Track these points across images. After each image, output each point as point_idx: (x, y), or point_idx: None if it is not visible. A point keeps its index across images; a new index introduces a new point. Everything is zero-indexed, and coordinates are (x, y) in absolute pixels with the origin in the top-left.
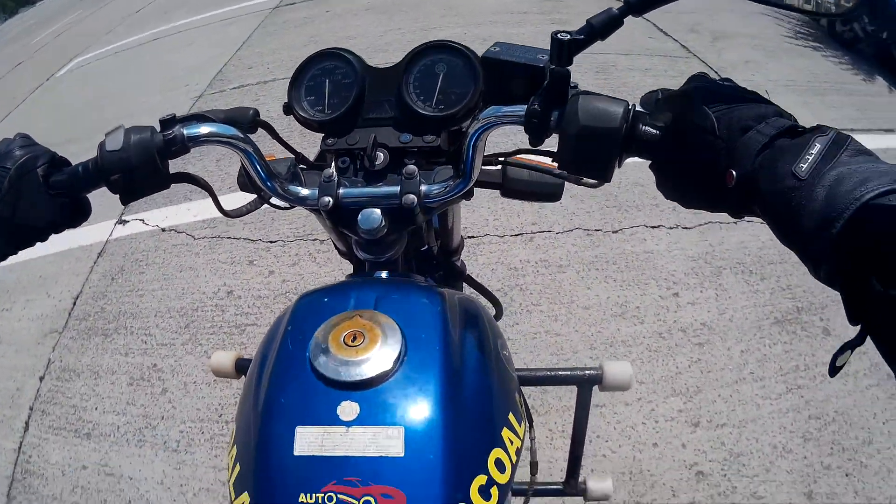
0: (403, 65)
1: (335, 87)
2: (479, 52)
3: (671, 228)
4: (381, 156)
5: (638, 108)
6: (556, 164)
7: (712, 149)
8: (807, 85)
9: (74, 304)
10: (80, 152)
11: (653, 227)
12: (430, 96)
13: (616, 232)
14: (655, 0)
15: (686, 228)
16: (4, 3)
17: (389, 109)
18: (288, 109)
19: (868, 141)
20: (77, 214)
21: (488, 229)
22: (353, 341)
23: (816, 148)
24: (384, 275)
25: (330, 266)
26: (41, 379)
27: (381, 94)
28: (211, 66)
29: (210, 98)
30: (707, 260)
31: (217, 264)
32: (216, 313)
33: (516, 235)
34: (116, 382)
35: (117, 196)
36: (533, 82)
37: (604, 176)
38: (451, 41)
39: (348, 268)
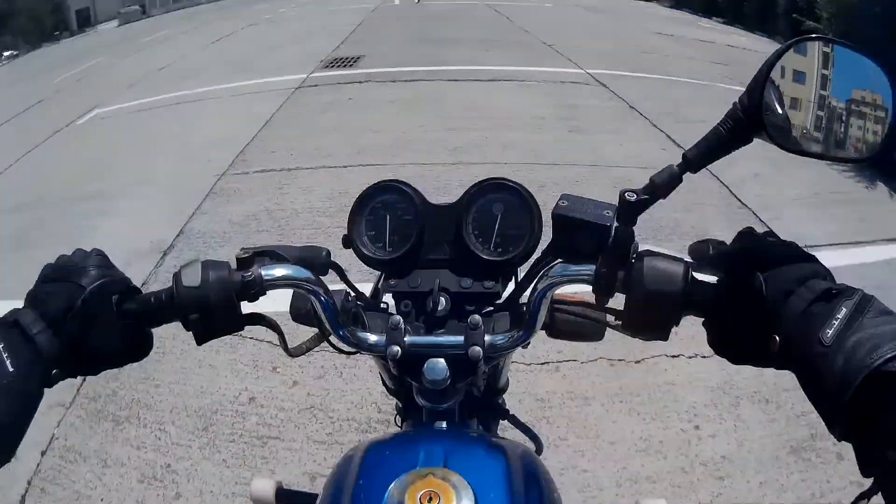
0: (463, 204)
1: (396, 223)
2: (506, 156)
3: (690, 358)
4: (443, 301)
5: (692, 268)
6: (611, 316)
7: (760, 312)
8: (813, 198)
9: (84, 379)
10: (96, 211)
11: (673, 357)
12: (488, 239)
13: (638, 362)
14: (710, 156)
15: (704, 357)
16: (28, 34)
17: (448, 250)
18: (348, 243)
19: (874, 253)
20: (141, 347)
21: (516, 357)
22: (428, 502)
23: (842, 313)
24: (444, 425)
25: (356, 383)
26: (42, 454)
27: (440, 233)
28: (233, 143)
29: (233, 179)
30: (725, 390)
31: (239, 366)
32: (237, 419)
33: (543, 364)
34: (126, 476)
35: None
36: (598, 238)
37: (663, 336)
38: (507, 179)
39: (374, 383)
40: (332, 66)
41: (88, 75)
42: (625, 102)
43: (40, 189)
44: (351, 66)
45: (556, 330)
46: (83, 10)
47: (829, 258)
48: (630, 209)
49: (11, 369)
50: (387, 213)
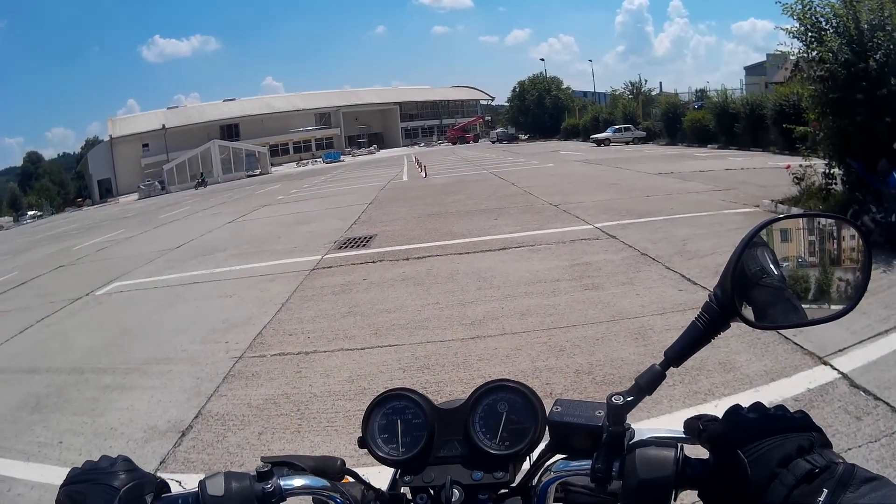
0: (469, 405)
1: (407, 426)
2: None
3: None
4: (456, 493)
5: (686, 445)
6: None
7: (746, 495)
8: None
9: None
10: (115, 385)
11: None
12: (494, 434)
13: None
14: (691, 349)
15: None
16: (53, 197)
17: (458, 447)
18: (363, 444)
19: None
20: None
21: None
22: None
23: (823, 496)
24: None
25: None
26: None
27: (449, 432)
28: (250, 326)
29: (251, 362)
30: None
31: None
32: None
33: None
34: None
35: None
36: (593, 436)
37: None
38: (509, 381)
39: None
40: (346, 247)
41: (108, 246)
42: (636, 251)
43: (57, 358)
44: (364, 245)
45: None
46: (105, 181)
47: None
48: (618, 411)
49: None
50: (397, 418)
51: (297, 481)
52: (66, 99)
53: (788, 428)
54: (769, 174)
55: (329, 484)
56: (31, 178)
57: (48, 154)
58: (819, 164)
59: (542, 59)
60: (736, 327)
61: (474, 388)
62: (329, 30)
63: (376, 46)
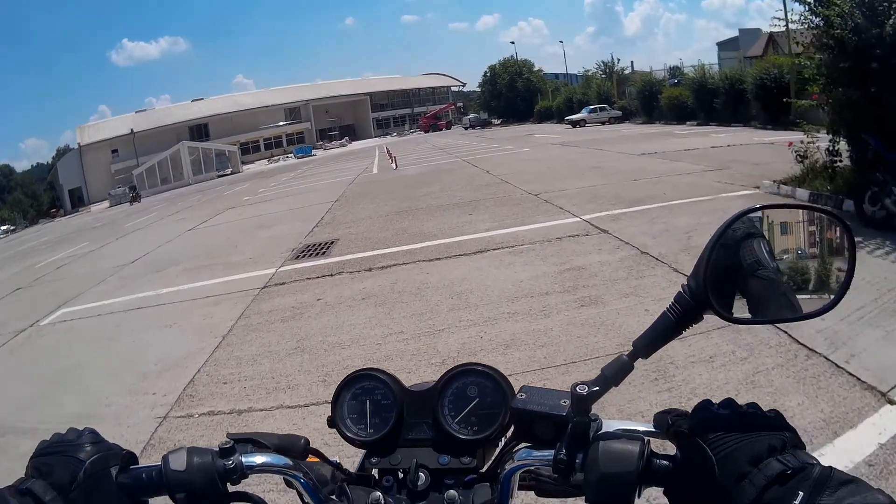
0: (438, 388)
1: (376, 407)
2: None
3: None
4: (422, 476)
5: (652, 441)
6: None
7: (714, 495)
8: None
9: None
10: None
11: None
12: (464, 419)
13: None
14: (662, 340)
15: None
16: (26, 210)
17: (427, 430)
18: (332, 423)
19: None
20: None
21: None
22: None
23: (798, 499)
24: None
25: None
26: None
27: (418, 415)
28: (184, 369)
29: (175, 424)
30: None
31: None
32: None
33: None
34: None
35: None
36: (557, 426)
37: None
38: (479, 364)
39: None
40: (304, 256)
41: (68, 263)
42: (634, 248)
43: None
44: (323, 253)
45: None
46: (76, 190)
47: None
48: (582, 401)
49: None
50: (367, 398)
51: (260, 458)
52: (37, 109)
53: (760, 426)
54: (759, 151)
55: (292, 462)
56: (3, 192)
57: (22, 166)
58: (823, 140)
59: (513, 43)
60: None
61: (445, 371)
62: (298, 24)
63: (346, 38)
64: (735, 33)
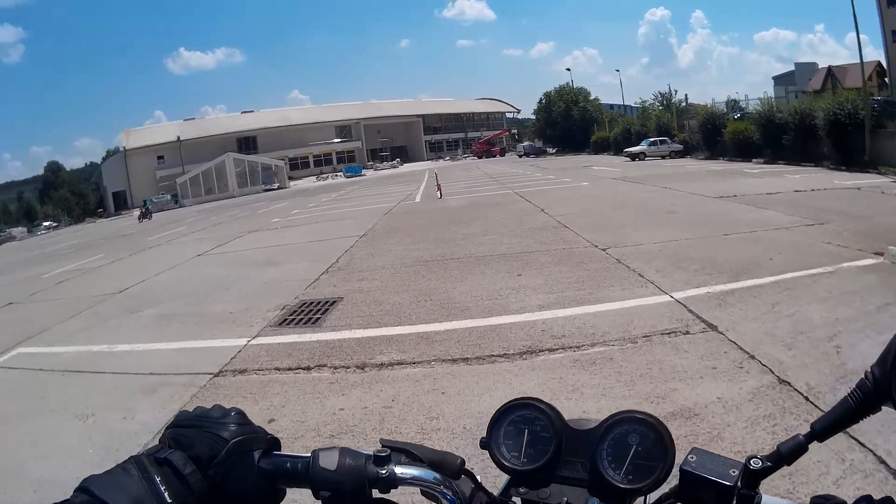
0: (601, 431)
1: (533, 437)
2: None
3: None
4: None
5: None
6: None
7: None
8: None
9: None
10: None
11: None
12: (621, 465)
13: None
14: (839, 426)
15: None
16: (71, 208)
17: (581, 471)
18: (485, 446)
19: None
20: (273, 499)
21: None
22: None
23: None
24: None
25: None
26: None
27: (575, 453)
28: None
29: None
30: None
31: None
32: None
33: None
34: None
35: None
36: (720, 494)
37: None
38: (644, 413)
39: None
40: (290, 323)
41: (70, 278)
42: (765, 369)
43: None
44: (314, 322)
45: None
46: (120, 193)
47: None
48: (753, 475)
49: (170, 501)
50: (526, 427)
51: (413, 471)
52: (93, 110)
53: None
54: (849, 198)
55: (442, 480)
56: (50, 188)
57: (76, 163)
58: None
59: (568, 70)
60: None
61: (610, 415)
62: (354, 43)
63: (401, 60)
64: (788, 67)
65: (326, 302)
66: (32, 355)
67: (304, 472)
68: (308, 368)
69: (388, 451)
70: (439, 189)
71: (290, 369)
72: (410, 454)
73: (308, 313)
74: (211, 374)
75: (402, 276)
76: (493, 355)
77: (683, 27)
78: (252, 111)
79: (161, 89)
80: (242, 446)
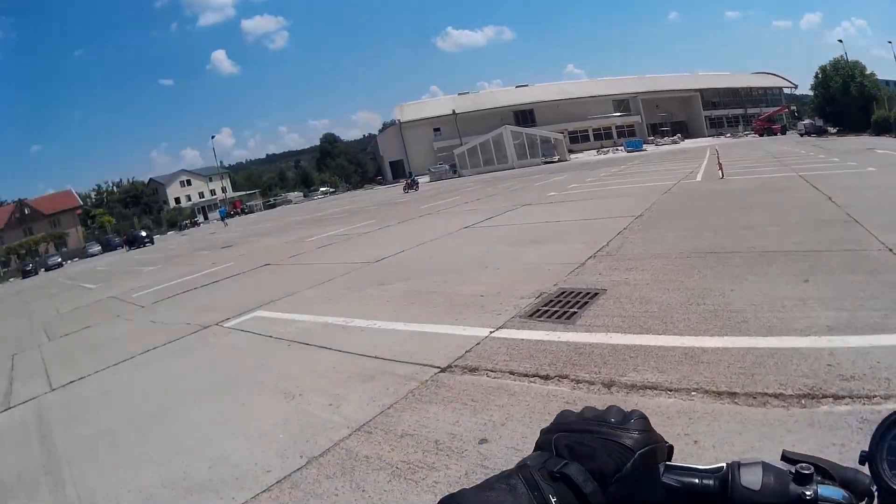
0: None
1: None
2: None
3: None
4: None
5: None
6: None
7: None
8: None
9: None
10: None
11: None
12: None
13: None
14: None
15: None
16: (350, 175)
17: None
18: (865, 460)
19: None
20: None
21: None
22: None
23: None
24: None
25: None
26: None
27: None
28: None
29: None
30: None
31: None
32: None
33: None
34: None
35: None
36: None
37: None
38: None
39: None
40: (542, 315)
41: (332, 244)
42: None
43: None
44: (569, 317)
45: None
46: (398, 163)
47: None
48: None
49: None
50: None
51: (834, 493)
52: (368, 88)
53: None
54: None
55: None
56: (326, 157)
57: (353, 135)
58: None
59: (840, 41)
60: None
61: None
62: (623, 18)
63: (670, 33)
64: None
65: (587, 293)
66: (270, 320)
67: (721, 491)
68: (546, 378)
69: (812, 468)
70: (721, 168)
71: (525, 375)
72: (822, 470)
73: (564, 305)
74: (438, 368)
75: (676, 268)
76: (766, 394)
77: None
78: (526, 85)
79: (435, 67)
80: (649, 458)
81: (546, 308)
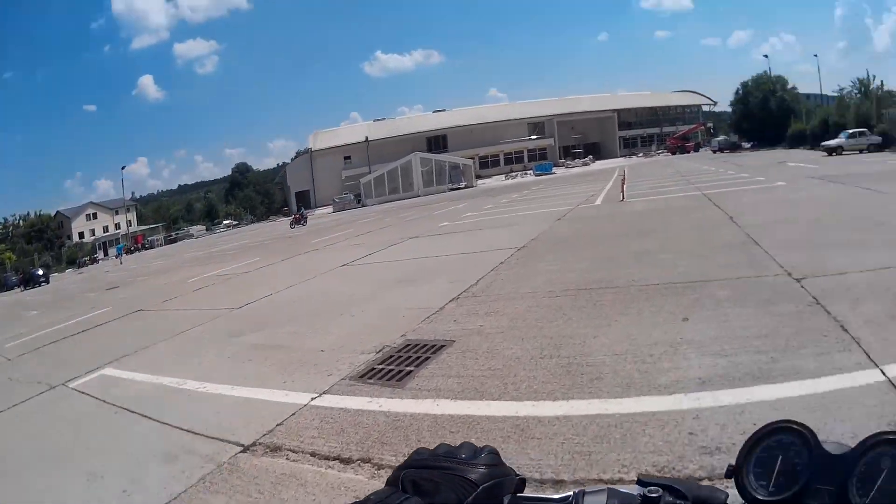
0: (854, 456)
1: (784, 464)
2: None
3: None
4: None
5: None
6: None
7: None
8: None
9: None
10: None
11: None
12: (867, 493)
13: None
14: None
15: None
16: (255, 206)
17: (828, 500)
18: (732, 474)
19: None
20: None
21: None
22: None
23: None
24: None
25: None
26: None
27: (824, 480)
28: None
29: None
30: None
31: None
32: None
33: None
34: None
35: None
36: None
37: None
38: None
39: None
40: (372, 375)
41: (210, 285)
42: None
43: None
44: (400, 379)
45: None
46: (304, 193)
47: None
48: None
49: None
50: (780, 454)
51: None
52: (289, 114)
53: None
54: None
55: None
56: (236, 188)
57: (268, 164)
58: None
59: (766, 56)
60: None
61: (867, 437)
62: (552, 39)
63: (601, 54)
64: None
65: (432, 346)
66: (113, 380)
67: None
68: (348, 462)
69: (659, 490)
70: (622, 191)
71: (326, 458)
72: (675, 491)
73: (402, 362)
74: (241, 446)
75: (540, 311)
76: (601, 479)
77: (879, 5)
78: (443, 110)
79: (361, 93)
80: (493, 491)
81: (381, 367)
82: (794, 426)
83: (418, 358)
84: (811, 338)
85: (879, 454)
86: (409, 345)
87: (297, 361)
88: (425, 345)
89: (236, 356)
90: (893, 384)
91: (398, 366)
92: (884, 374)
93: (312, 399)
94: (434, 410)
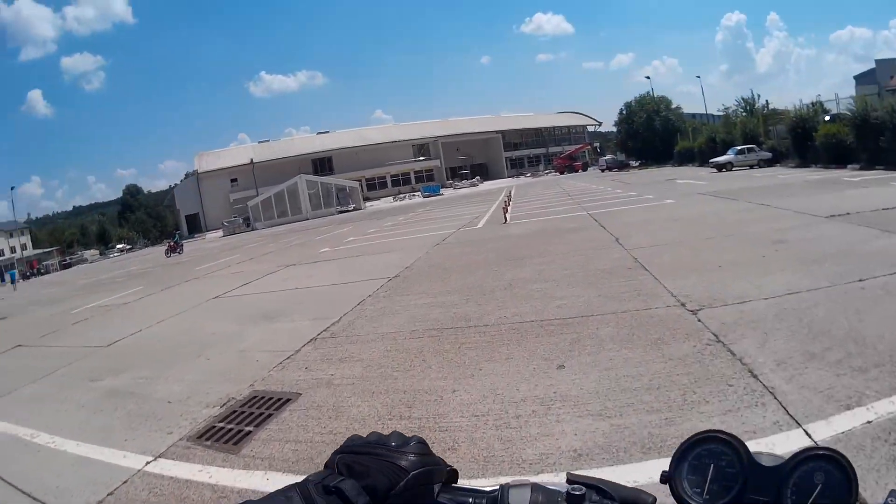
0: (788, 468)
1: (718, 472)
2: None
3: None
4: None
5: None
6: None
7: None
8: None
9: None
10: None
11: None
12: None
13: None
14: None
15: None
16: (148, 230)
17: None
18: (667, 480)
19: None
20: None
21: None
22: None
23: None
24: None
25: None
26: None
27: (758, 491)
28: None
29: None
30: None
31: None
32: None
33: None
34: None
35: None
36: None
37: None
38: (835, 452)
39: None
40: (210, 436)
41: (89, 318)
42: None
43: None
44: (238, 440)
45: None
46: (193, 216)
47: None
48: None
49: None
50: (711, 462)
51: None
52: (178, 134)
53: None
54: None
55: None
56: (127, 211)
57: (160, 186)
58: None
59: (648, 77)
60: None
61: (799, 450)
62: (435, 63)
63: (483, 77)
64: (867, 66)
65: (277, 401)
66: None
67: None
68: None
69: (584, 488)
70: (505, 212)
71: None
72: (602, 491)
73: (244, 419)
74: None
75: (398, 355)
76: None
77: (760, 31)
78: (328, 132)
79: (246, 113)
80: (423, 479)
81: (221, 425)
82: (723, 436)
83: (260, 415)
84: (714, 388)
85: (812, 468)
86: (255, 397)
87: (144, 415)
88: (271, 398)
89: (90, 405)
90: (819, 444)
91: (238, 424)
92: (809, 435)
93: (147, 464)
94: (263, 486)
